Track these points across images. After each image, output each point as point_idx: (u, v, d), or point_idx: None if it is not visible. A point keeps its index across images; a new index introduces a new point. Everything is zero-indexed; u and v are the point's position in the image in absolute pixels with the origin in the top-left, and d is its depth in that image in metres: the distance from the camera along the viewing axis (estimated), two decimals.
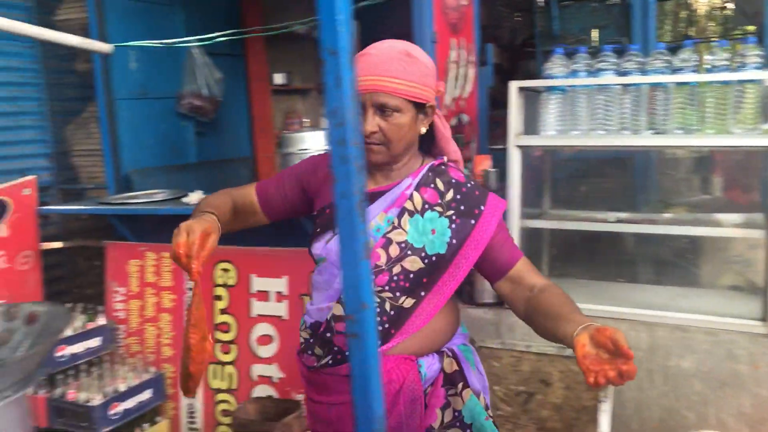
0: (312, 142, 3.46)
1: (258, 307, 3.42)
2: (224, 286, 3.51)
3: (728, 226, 2.91)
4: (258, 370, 3.41)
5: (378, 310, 1.65)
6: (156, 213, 3.61)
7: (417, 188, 1.71)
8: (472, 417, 1.74)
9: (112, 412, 3.27)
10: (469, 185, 1.76)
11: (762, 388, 2.65)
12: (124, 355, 3.65)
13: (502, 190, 3.35)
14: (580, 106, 3.13)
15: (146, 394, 3.46)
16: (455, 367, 1.75)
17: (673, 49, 2.85)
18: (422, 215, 1.69)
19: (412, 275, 1.67)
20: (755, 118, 2.67)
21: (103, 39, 3.88)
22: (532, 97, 3.28)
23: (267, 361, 3.39)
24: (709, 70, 2.74)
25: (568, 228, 3.34)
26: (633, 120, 2.95)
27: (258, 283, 3.43)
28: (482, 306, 3.18)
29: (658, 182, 3.65)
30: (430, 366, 1.73)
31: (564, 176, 3.77)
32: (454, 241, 1.69)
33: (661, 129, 2.86)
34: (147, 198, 3.82)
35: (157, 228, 3.85)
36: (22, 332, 0.99)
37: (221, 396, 3.51)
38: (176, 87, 4.65)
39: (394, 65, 1.61)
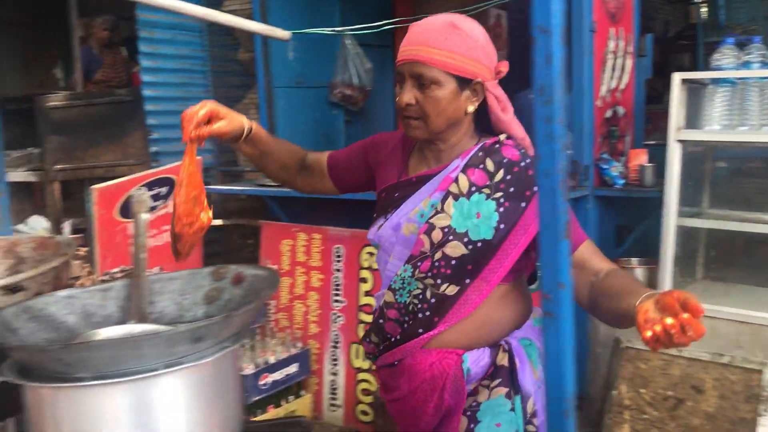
0: None
1: None
2: (369, 269, 3.60)
3: None
4: None
5: (420, 296, 1.58)
6: (309, 196, 3.76)
7: (464, 170, 1.59)
8: (485, 416, 1.60)
9: (262, 382, 3.46)
10: (522, 164, 1.60)
11: None
12: (274, 329, 3.84)
13: (658, 186, 3.21)
14: (751, 99, 2.95)
15: (293, 368, 3.63)
16: (505, 362, 1.61)
17: None
18: (468, 198, 1.57)
19: (454, 261, 1.56)
20: None
21: None
22: (693, 91, 3.12)
23: None
24: None
25: (729, 229, 3.16)
26: None
27: None
28: None
29: None
30: (475, 361, 1.60)
31: (725, 173, 3.56)
32: (502, 225, 1.55)
33: None
34: None
35: (309, 210, 4.02)
36: (230, 291, 1.09)
37: (362, 375, 3.61)
38: (329, 77, 4.81)
39: (434, 35, 1.52)
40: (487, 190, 1.57)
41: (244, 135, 1.66)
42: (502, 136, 1.63)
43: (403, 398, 1.65)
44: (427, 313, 1.58)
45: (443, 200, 1.58)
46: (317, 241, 3.80)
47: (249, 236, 4.58)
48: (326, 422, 3.73)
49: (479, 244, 1.55)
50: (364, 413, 3.60)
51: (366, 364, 3.59)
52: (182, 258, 1.37)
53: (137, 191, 1.08)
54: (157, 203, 3.99)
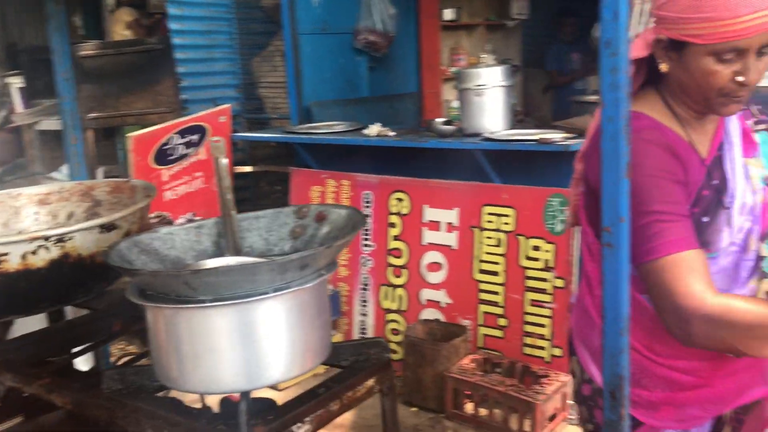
0: (488, 78, 3.53)
1: (429, 236, 3.60)
2: (398, 214, 3.71)
3: None
4: (427, 294, 3.62)
5: None
6: (340, 143, 3.86)
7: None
8: None
9: None
10: None
11: None
12: None
13: None
14: None
15: None
16: None
17: None
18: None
19: None
20: None
21: None
22: None
23: (435, 287, 3.58)
24: None
25: None
26: None
27: (430, 213, 3.60)
28: None
29: None
30: None
31: None
32: None
33: None
34: (328, 129, 4.07)
35: (337, 157, 4.11)
36: (314, 228, 1.19)
37: (391, 316, 3.76)
38: (353, 22, 4.83)
39: None
40: (762, 126, 1.47)
41: None
42: None
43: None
44: None
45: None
46: (346, 187, 3.89)
47: (277, 183, 4.68)
48: None
49: None
50: (393, 351, 3.76)
51: (395, 305, 3.73)
52: None
53: (214, 139, 1.18)
54: (188, 150, 4.09)
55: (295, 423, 1.02)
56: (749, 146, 1.40)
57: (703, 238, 1.28)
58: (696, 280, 1.18)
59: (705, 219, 1.31)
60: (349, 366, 1.16)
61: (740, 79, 1.24)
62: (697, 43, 1.21)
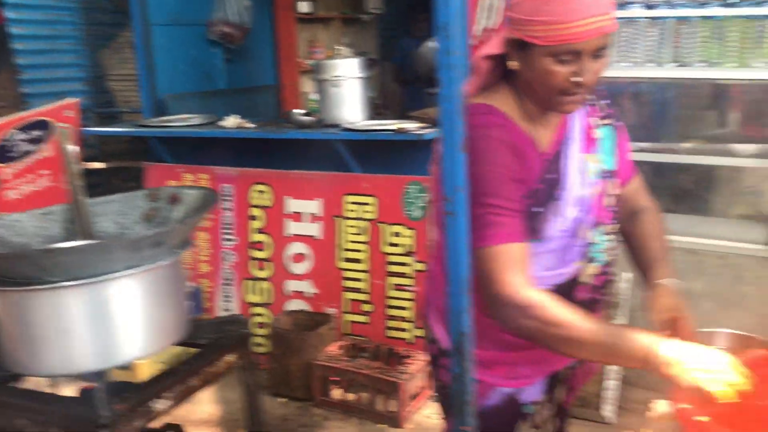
0: (345, 70, 3.59)
1: (292, 227, 3.63)
2: (260, 207, 3.70)
3: (743, 157, 3.07)
4: (292, 285, 3.64)
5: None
6: (197, 135, 3.78)
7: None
8: None
9: None
10: None
11: (766, 308, 2.85)
12: None
13: None
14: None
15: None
16: None
17: None
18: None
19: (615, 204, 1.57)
20: None
21: None
22: None
23: (300, 277, 3.61)
24: (734, 5, 2.86)
25: None
26: (657, 53, 3.08)
27: (293, 204, 3.62)
28: None
29: (677, 115, 3.78)
30: None
31: None
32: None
33: (685, 62, 3.00)
34: (183, 122, 3.98)
35: (194, 151, 4.03)
36: (167, 210, 1.19)
37: (257, 310, 3.74)
38: (207, 14, 4.75)
39: None
40: (607, 120, 1.57)
41: None
42: None
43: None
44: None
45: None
46: (204, 181, 3.82)
47: (130, 179, 4.51)
48: None
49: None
50: (259, 345, 3.75)
51: (260, 299, 3.72)
52: None
53: (61, 125, 1.15)
54: (33, 147, 3.86)
55: (154, 399, 1.02)
56: (589, 142, 1.51)
57: (534, 226, 1.41)
58: (515, 271, 1.30)
59: (536, 209, 1.42)
60: (208, 344, 1.17)
61: (577, 79, 1.33)
62: (538, 44, 1.31)
